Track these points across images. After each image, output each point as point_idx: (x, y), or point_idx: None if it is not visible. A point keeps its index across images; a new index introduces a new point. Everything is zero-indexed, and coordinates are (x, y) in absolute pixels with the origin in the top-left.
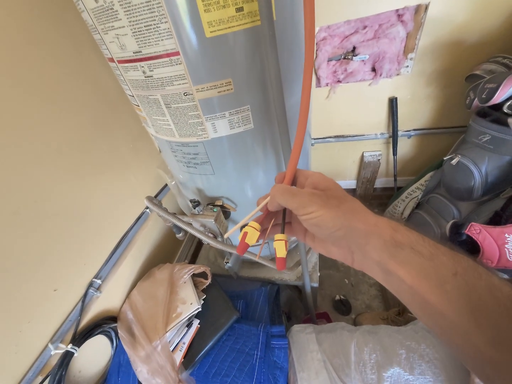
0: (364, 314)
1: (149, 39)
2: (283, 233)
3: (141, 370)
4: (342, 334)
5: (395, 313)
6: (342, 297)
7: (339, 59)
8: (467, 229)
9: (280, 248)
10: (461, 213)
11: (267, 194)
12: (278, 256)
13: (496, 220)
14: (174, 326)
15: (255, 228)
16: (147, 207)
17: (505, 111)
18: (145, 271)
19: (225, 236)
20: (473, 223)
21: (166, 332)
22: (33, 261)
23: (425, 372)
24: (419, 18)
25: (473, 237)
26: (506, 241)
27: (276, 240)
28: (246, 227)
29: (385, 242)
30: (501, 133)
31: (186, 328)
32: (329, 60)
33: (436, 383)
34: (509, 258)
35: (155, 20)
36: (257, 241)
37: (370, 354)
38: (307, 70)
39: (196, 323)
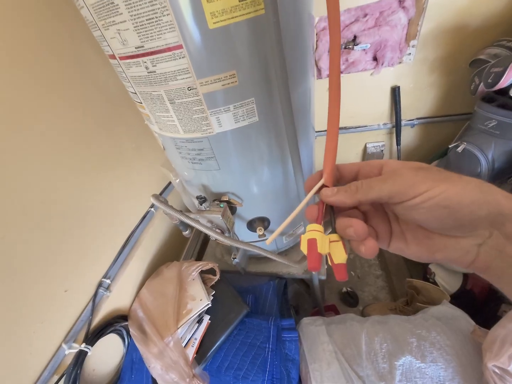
0: (372, 305)
1: (151, 33)
2: (335, 232)
3: (154, 366)
4: (352, 325)
5: (403, 303)
6: (349, 289)
7: (340, 49)
8: None
9: (337, 252)
10: None
11: (317, 174)
12: (336, 262)
13: None
14: (185, 323)
15: (321, 232)
16: (151, 206)
17: (511, 95)
18: (153, 270)
19: (268, 242)
20: None
21: (178, 328)
22: (42, 262)
23: (436, 359)
24: (421, 4)
25: None
26: None
27: (330, 242)
28: (308, 233)
29: None
30: (508, 118)
31: (197, 324)
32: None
33: (448, 370)
34: None
35: (157, 13)
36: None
37: (381, 344)
38: (334, 46)
39: (206, 318)
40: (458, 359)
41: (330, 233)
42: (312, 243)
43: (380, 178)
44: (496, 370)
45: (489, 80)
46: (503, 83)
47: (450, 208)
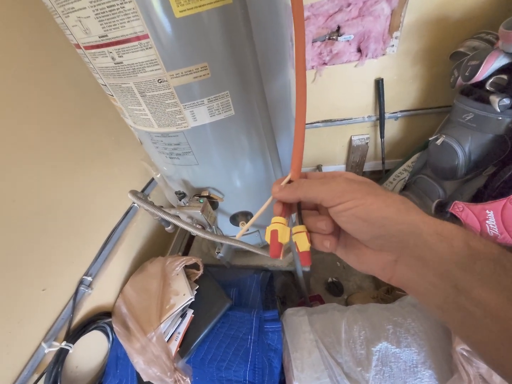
0: (356, 294)
1: (114, 21)
2: (302, 223)
3: (137, 361)
4: (333, 314)
5: (384, 291)
6: (334, 279)
7: (324, 40)
8: (451, 208)
9: (301, 241)
10: (446, 192)
11: (282, 178)
12: (301, 250)
13: (479, 197)
14: (168, 318)
15: (283, 224)
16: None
17: (487, 88)
18: (138, 266)
19: (237, 236)
20: (456, 201)
21: (160, 323)
22: (17, 261)
23: (410, 344)
24: None
25: (457, 215)
26: (487, 217)
27: (295, 233)
28: (272, 225)
29: (454, 249)
30: (484, 111)
31: (180, 319)
32: (314, 41)
33: (420, 354)
34: (489, 233)
35: None
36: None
37: (360, 331)
38: (298, 44)
39: (190, 313)
40: (430, 343)
41: (295, 225)
42: (274, 233)
43: (320, 181)
44: (464, 353)
45: (466, 73)
46: (479, 76)
47: (366, 221)
